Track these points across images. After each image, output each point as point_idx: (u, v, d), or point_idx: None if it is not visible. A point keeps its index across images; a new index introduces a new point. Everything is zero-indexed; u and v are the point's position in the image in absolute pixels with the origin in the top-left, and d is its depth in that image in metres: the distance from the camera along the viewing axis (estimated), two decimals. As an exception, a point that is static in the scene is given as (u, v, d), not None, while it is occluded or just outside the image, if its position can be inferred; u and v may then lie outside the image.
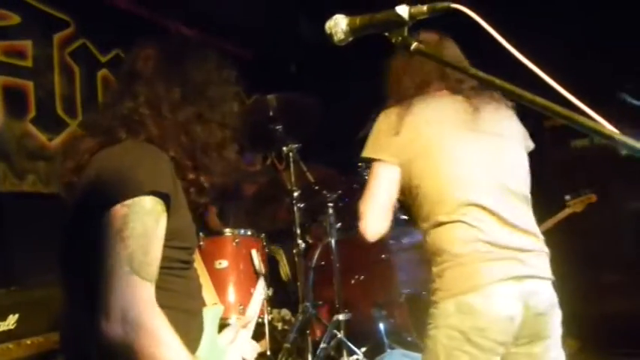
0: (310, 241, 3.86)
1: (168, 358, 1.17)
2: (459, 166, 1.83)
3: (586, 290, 3.65)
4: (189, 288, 1.39)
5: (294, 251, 3.26)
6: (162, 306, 1.22)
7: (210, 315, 1.47)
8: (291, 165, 3.31)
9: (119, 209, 1.21)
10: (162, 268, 1.26)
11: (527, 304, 1.73)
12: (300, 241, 3.24)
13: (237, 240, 3.05)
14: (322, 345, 2.97)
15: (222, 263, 2.90)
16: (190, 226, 1.39)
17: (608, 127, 0.87)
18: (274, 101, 3.25)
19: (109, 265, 1.17)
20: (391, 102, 2.00)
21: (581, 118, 0.88)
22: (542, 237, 1.88)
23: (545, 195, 2.11)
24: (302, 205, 3.34)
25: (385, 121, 1.97)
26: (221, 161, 1.46)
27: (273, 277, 3.49)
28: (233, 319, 2.08)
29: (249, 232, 3.13)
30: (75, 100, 3.89)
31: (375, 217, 1.91)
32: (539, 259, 1.83)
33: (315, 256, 3.47)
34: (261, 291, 1.81)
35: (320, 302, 3.32)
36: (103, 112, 1.46)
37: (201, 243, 2.91)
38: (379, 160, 1.93)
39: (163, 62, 1.45)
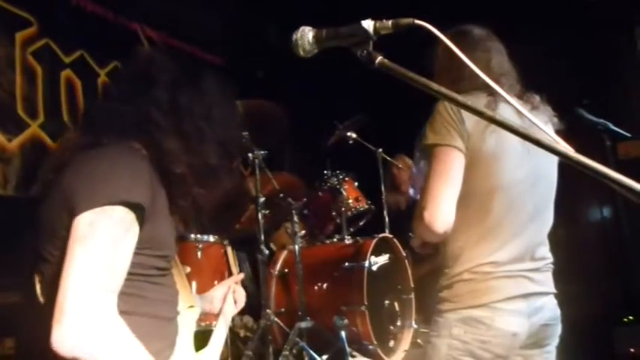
0: (274, 248, 3.87)
1: None
2: (505, 191, 1.76)
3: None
4: (164, 294, 1.38)
5: (258, 257, 3.26)
6: (134, 313, 1.21)
7: (186, 319, 1.46)
8: (257, 171, 3.32)
9: (87, 216, 1.20)
10: (135, 274, 1.25)
11: (533, 319, 1.75)
12: (263, 248, 3.24)
13: (200, 246, 3.04)
14: (284, 352, 2.97)
15: (185, 269, 2.88)
16: (168, 235, 1.37)
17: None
18: (241, 107, 3.25)
19: (70, 271, 1.16)
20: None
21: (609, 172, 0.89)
22: (547, 246, 1.88)
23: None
24: (266, 212, 3.35)
25: (449, 110, 1.76)
26: (223, 182, 1.46)
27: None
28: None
29: (211, 239, 3.12)
30: (36, 100, 3.81)
31: (450, 205, 1.70)
32: (545, 275, 1.85)
33: (279, 264, 3.47)
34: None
35: (282, 309, 3.33)
36: (108, 109, 1.42)
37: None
38: (449, 145, 1.73)
39: (184, 78, 1.44)
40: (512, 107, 1.08)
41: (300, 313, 3.12)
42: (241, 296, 1.80)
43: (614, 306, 4.37)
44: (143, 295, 1.29)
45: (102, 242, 1.18)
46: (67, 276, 1.15)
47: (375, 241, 3.29)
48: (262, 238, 3.23)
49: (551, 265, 1.88)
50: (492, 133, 1.72)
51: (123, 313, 1.20)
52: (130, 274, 1.24)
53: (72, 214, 1.21)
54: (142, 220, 1.26)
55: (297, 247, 3.26)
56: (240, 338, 3.34)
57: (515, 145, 1.75)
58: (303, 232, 3.41)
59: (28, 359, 1.32)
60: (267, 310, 3.15)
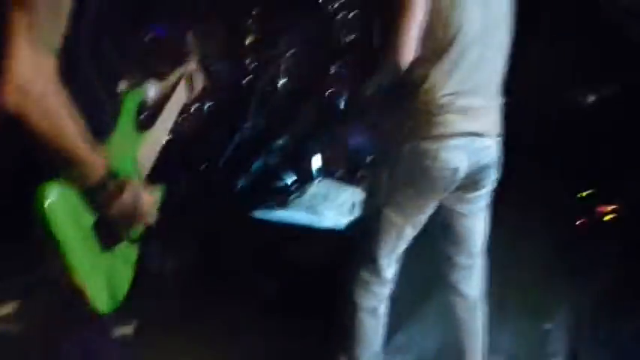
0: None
1: (62, 134, 1.09)
2: (466, 27, 1.75)
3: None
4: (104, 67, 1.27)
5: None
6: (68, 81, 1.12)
7: (130, 99, 1.41)
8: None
9: None
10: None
11: (474, 158, 1.80)
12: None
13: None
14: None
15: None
16: None
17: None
18: None
19: (9, 30, 1.05)
20: None
21: None
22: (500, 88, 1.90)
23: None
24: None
25: None
26: None
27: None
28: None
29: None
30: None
31: (413, 41, 1.69)
32: (495, 116, 1.88)
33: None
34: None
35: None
36: None
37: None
38: None
39: None
40: None
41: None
42: (198, 82, 1.71)
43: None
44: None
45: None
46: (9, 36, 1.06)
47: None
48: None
49: (503, 107, 1.90)
50: None
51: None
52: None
53: None
54: None
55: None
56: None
57: None
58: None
59: None
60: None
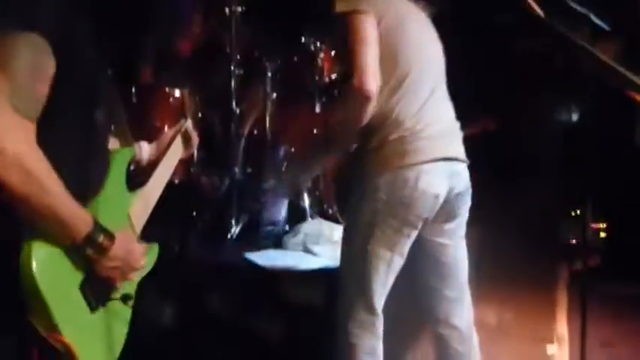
0: (244, 108, 3.84)
1: (43, 192, 1.09)
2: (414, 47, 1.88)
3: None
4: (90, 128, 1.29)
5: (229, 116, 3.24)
6: (53, 144, 1.14)
7: (119, 157, 1.42)
8: (232, 27, 3.19)
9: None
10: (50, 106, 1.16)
11: (452, 183, 1.84)
12: (235, 107, 3.21)
13: (172, 98, 2.99)
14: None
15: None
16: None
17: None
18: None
19: None
20: None
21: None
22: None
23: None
24: (240, 71, 3.27)
25: None
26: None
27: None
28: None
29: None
30: None
31: (376, 70, 1.76)
32: (459, 140, 1.94)
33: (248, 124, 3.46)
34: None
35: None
36: None
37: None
38: (358, 11, 1.79)
39: None
40: None
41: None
42: (192, 139, 1.74)
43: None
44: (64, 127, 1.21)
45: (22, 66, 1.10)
46: None
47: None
48: (234, 97, 3.20)
49: (462, 132, 1.96)
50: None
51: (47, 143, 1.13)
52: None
53: None
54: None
55: (268, 109, 3.24)
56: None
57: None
58: (275, 94, 3.36)
59: None
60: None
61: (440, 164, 1.81)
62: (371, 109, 1.75)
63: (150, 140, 1.66)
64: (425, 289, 1.98)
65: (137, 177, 1.50)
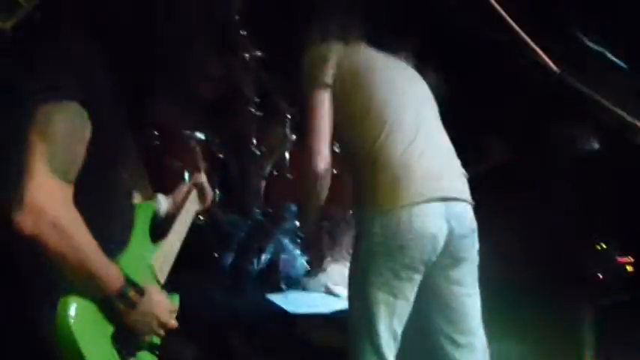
0: (264, 150, 3.90)
1: (78, 250, 1.16)
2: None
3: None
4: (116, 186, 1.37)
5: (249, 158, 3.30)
6: (83, 204, 1.20)
7: (142, 211, 1.47)
8: (251, 71, 3.28)
9: (43, 106, 1.18)
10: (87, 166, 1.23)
11: (452, 225, 1.78)
12: (254, 149, 3.27)
13: (192, 141, 3.06)
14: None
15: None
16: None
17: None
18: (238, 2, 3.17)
19: (28, 159, 1.15)
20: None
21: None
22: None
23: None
24: (259, 114, 3.35)
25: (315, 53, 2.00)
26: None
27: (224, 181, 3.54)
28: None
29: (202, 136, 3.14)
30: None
31: (324, 148, 1.88)
32: (462, 181, 1.89)
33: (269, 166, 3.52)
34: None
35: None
36: None
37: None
38: (317, 85, 1.92)
39: None
40: None
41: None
42: (207, 194, 1.78)
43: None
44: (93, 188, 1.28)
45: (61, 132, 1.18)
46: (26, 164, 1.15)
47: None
48: (253, 140, 3.27)
49: (465, 173, 1.93)
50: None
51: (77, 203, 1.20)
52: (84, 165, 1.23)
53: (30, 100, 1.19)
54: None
55: (287, 151, 3.30)
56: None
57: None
58: (295, 136, 3.43)
59: None
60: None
61: (435, 205, 1.76)
62: (322, 177, 1.87)
63: (167, 192, 1.72)
64: (434, 333, 1.90)
65: (158, 229, 1.54)
